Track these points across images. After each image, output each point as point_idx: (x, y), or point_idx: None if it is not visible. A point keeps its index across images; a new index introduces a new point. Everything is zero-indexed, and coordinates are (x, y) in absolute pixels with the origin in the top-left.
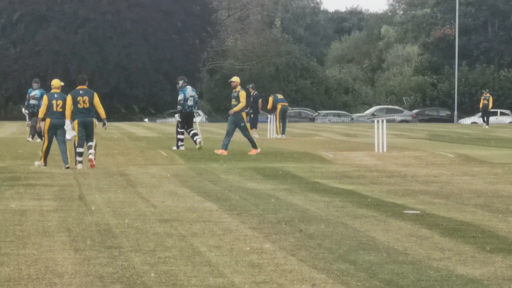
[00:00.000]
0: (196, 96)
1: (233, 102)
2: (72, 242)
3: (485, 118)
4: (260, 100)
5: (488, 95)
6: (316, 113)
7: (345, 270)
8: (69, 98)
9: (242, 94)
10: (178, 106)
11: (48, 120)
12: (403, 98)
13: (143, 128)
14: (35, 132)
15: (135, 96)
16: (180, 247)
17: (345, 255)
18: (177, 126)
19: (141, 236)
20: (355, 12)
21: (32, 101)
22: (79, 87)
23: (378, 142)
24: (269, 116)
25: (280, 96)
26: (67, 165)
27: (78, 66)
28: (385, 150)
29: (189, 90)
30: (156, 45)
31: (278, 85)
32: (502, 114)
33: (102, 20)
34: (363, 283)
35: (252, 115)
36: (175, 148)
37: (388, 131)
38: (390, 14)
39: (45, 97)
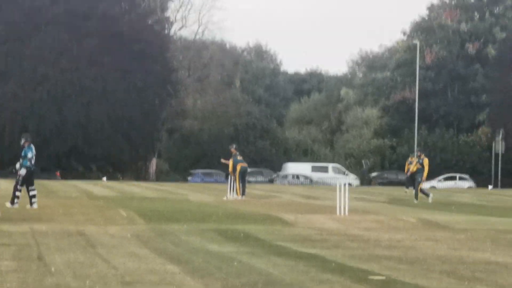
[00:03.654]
0: None
1: None
2: None
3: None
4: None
5: (412, 159)
6: (275, 174)
7: None
8: None
9: None
10: (25, 162)
11: None
12: (362, 160)
13: (101, 187)
14: None
15: (93, 155)
16: None
17: None
18: (17, 183)
19: None
20: (315, 74)
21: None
22: None
23: (340, 205)
24: (229, 176)
25: (239, 157)
26: None
27: (36, 124)
28: (347, 213)
29: (33, 149)
30: (115, 103)
31: (238, 146)
32: (461, 178)
33: (61, 78)
34: None
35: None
36: (9, 205)
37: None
38: (349, 76)
39: None
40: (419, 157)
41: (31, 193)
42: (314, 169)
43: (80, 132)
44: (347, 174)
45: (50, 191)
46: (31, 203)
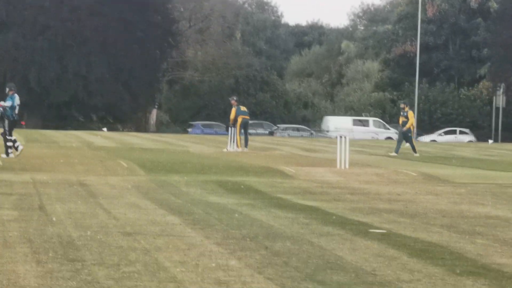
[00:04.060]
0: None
1: None
2: (34, 254)
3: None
4: None
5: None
6: (275, 127)
7: None
8: None
9: None
10: (9, 112)
11: None
12: (362, 114)
13: (102, 138)
14: None
15: (94, 105)
16: (144, 262)
17: (313, 274)
18: (5, 134)
19: (104, 249)
20: (316, 27)
21: None
22: None
23: (340, 158)
24: (230, 128)
25: (243, 109)
26: None
27: (37, 73)
28: (347, 166)
29: (17, 99)
30: (116, 54)
31: (238, 97)
32: (461, 132)
33: (62, 28)
34: None
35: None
36: (4, 156)
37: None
38: (350, 29)
39: None
40: (403, 109)
41: (9, 143)
42: (355, 123)
43: (80, 82)
44: (388, 128)
45: (51, 141)
46: (7, 153)
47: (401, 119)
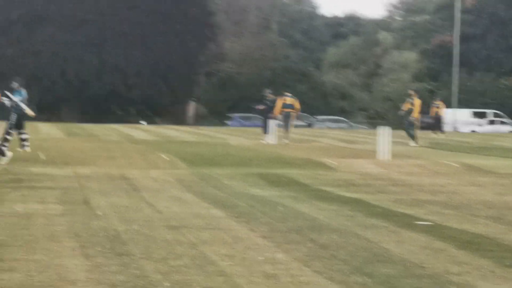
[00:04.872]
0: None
1: None
2: (82, 248)
3: (439, 127)
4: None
5: (439, 102)
6: (314, 119)
7: (363, 283)
8: None
9: None
10: (17, 107)
11: None
12: (400, 104)
13: (141, 131)
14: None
15: (132, 98)
16: (191, 256)
17: (361, 267)
18: (8, 127)
19: (150, 243)
20: (352, 18)
21: None
22: None
23: (382, 150)
24: (267, 120)
25: (287, 100)
26: None
27: (75, 67)
28: (388, 158)
29: (24, 93)
30: (154, 48)
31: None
32: (502, 123)
33: (100, 22)
34: None
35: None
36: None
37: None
38: (388, 20)
39: None
40: (410, 96)
41: (23, 136)
42: (475, 115)
43: (119, 76)
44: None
45: (90, 135)
46: (22, 146)
47: (406, 106)
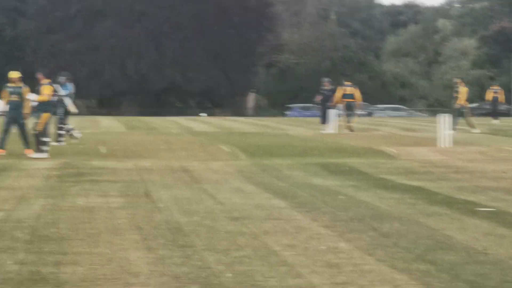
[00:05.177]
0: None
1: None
2: (144, 241)
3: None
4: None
5: (497, 87)
6: (374, 108)
7: (426, 270)
8: None
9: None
10: (65, 101)
11: None
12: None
13: (201, 123)
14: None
15: (191, 91)
16: (253, 246)
17: (424, 254)
18: (61, 123)
19: (212, 235)
20: (411, 6)
21: None
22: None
23: (442, 137)
24: (327, 110)
25: (348, 90)
26: None
27: (134, 61)
28: (449, 145)
29: (71, 87)
30: (212, 39)
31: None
32: None
33: (159, 15)
34: (447, 285)
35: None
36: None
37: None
38: (446, 7)
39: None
40: (456, 84)
41: (60, 131)
42: None
43: (178, 69)
44: None
45: (150, 128)
46: (59, 141)
47: (455, 95)
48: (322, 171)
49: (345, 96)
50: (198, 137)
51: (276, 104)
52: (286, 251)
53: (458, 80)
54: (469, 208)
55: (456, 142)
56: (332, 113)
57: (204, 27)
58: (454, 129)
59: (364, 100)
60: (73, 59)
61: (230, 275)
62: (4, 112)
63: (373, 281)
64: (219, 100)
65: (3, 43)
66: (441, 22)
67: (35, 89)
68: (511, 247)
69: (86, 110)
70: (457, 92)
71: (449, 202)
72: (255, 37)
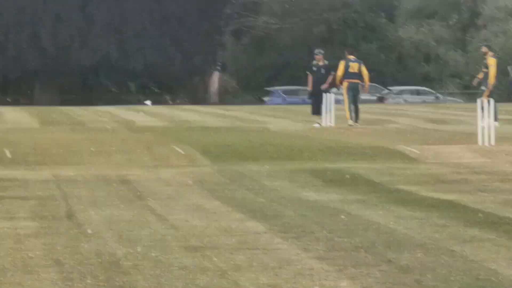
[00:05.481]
0: None
1: None
2: (66, 281)
3: None
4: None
5: None
6: (386, 90)
7: None
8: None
9: None
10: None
11: None
12: (508, 67)
13: (145, 114)
14: None
15: (131, 69)
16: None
17: None
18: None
19: (162, 272)
20: None
21: None
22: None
23: (483, 132)
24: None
25: (352, 67)
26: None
27: (51, 28)
28: (492, 142)
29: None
30: None
31: (331, 49)
32: None
33: None
34: None
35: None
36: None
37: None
38: None
39: None
40: (483, 54)
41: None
42: None
43: (112, 39)
44: None
45: (75, 122)
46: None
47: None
48: (315, 180)
49: (347, 75)
50: (141, 135)
51: (250, 87)
52: None
53: (485, 49)
54: None
55: (502, 138)
56: (328, 98)
57: None
58: (496, 119)
59: (374, 80)
60: None
61: None
62: None
63: None
64: (171, 82)
65: None
66: None
67: None
68: None
69: None
70: (485, 65)
71: (494, 223)
72: None
